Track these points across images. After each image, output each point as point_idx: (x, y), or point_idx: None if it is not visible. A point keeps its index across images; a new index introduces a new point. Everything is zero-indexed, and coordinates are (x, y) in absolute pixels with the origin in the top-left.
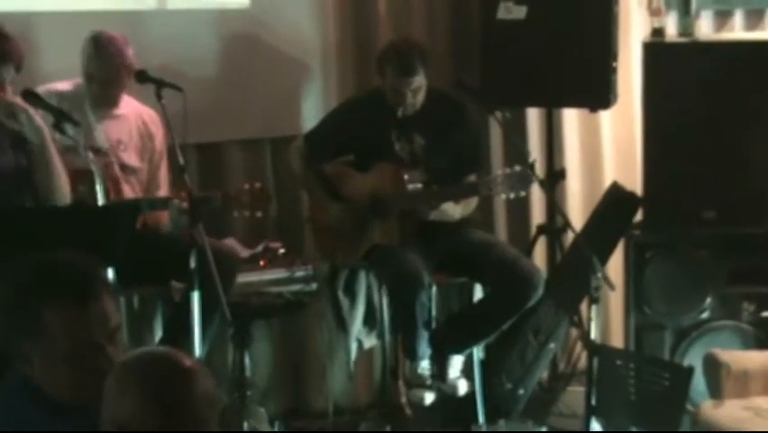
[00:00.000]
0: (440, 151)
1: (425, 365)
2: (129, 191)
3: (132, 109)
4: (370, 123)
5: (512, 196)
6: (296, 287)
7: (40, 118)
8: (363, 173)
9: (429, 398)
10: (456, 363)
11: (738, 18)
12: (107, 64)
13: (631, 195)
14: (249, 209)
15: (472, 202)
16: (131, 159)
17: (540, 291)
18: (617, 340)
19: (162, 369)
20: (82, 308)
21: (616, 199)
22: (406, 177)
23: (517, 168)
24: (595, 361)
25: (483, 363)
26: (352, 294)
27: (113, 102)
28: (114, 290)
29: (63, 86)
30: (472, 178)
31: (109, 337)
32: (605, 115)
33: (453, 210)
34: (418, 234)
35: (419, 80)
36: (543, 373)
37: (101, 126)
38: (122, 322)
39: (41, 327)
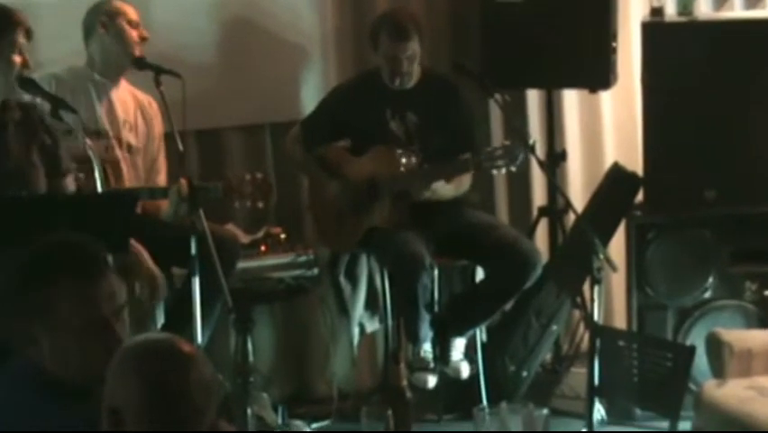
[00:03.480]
0: (434, 129)
1: (427, 348)
2: (130, 174)
3: (131, 95)
4: (364, 104)
5: (503, 170)
6: (297, 272)
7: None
8: (360, 157)
9: (432, 381)
10: (459, 345)
11: None
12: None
13: (632, 175)
14: (250, 199)
15: (465, 181)
16: (135, 138)
17: (539, 271)
18: (619, 321)
19: (160, 355)
20: (90, 283)
21: (617, 180)
22: (399, 152)
23: (507, 142)
24: (597, 342)
25: (486, 346)
26: (353, 279)
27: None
28: (114, 269)
29: (60, 71)
30: (467, 155)
31: (116, 314)
32: (605, 96)
33: (445, 189)
34: (417, 216)
35: (413, 46)
36: (546, 355)
37: (103, 107)
38: (125, 304)
39: (49, 306)
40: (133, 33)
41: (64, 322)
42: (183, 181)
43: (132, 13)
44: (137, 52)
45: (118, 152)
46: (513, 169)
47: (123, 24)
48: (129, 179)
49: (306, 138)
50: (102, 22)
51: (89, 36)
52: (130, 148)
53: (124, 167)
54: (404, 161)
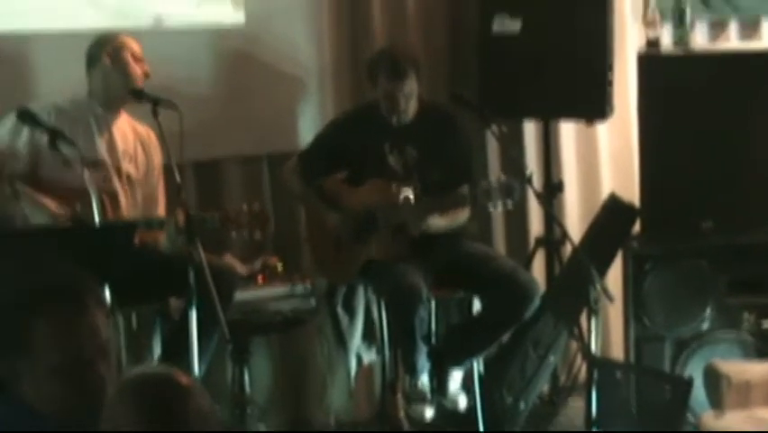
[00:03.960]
0: (432, 163)
1: (424, 380)
2: (128, 205)
3: (131, 126)
4: (362, 136)
5: (500, 207)
6: (294, 303)
7: None
8: (357, 188)
9: (429, 413)
10: (456, 377)
11: (733, 28)
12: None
13: (629, 206)
14: (247, 230)
15: (463, 214)
16: (134, 170)
17: (536, 302)
18: (616, 352)
19: (158, 387)
20: (71, 320)
21: (613, 211)
22: (398, 191)
23: (504, 177)
24: (595, 373)
25: (483, 378)
26: (350, 310)
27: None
28: (105, 304)
29: (62, 101)
30: (464, 190)
31: (100, 353)
32: (601, 127)
33: (442, 222)
34: (414, 247)
35: (411, 84)
36: (543, 387)
37: (103, 138)
38: (112, 338)
39: (29, 341)
40: (137, 68)
41: (43, 359)
42: (180, 212)
43: (136, 48)
44: (139, 87)
45: (117, 184)
46: (509, 206)
47: (128, 58)
48: (127, 211)
49: (303, 170)
50: (108, 53)
51: (93, 66)
52: (129, 179)
53: (123, 198)
54: (401, 194)
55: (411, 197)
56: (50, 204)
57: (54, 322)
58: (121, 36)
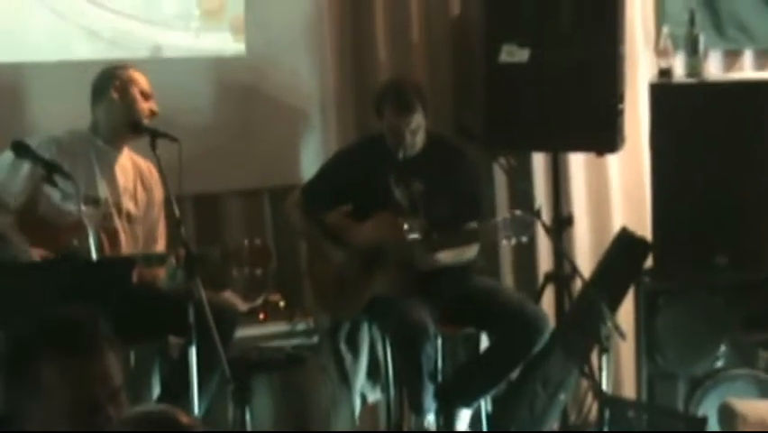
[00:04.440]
0: (439, 197)
1: (431, 420)
2: (128, 243)
3: (132, 161)
4: (368, 169)
5: (513, 241)
6: (296, 341)
7: None
8: (362, 223)
9: None
10: (463, 417)
11: (748, 58)
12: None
13: (641, 240)
14: (248, 266)
15: (469, 249)
16: (134, 207)
17: (546, 335)
18: (628, 390)
19: (160, 426)
20: (82, 364)
21: (625, 245)
22: (405, 226)
23: (518, 212)
24: (606, 412)
25: (491, 417)
26: (354, 347)
27: (119, 147)
28: (118, 347)
29: (60, 134)
30: (473, 225)
31: (111, 397)
32: (612, 159)
33: (450, 258)
34: (420, 282)
35: (417, 119)
36: (553, 426)
37: (104, 175)
38: (123, 384)
39: (39, 384)
40: (144, 106)
41: (51, 402)
42: (180, 248)
43: (145, 84)
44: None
45: (117, 221)
46: (524, 240)
47: (137, 94)
48: (127, 249)
49: (307, 204)
50: (116, 87)
51: (98, 99)
52: (129, 216)
53: (123, 236)
54: (408, 229)
55: (418, 231)
56: (36, 253)
57: (65, 365)
58: (130, 70)
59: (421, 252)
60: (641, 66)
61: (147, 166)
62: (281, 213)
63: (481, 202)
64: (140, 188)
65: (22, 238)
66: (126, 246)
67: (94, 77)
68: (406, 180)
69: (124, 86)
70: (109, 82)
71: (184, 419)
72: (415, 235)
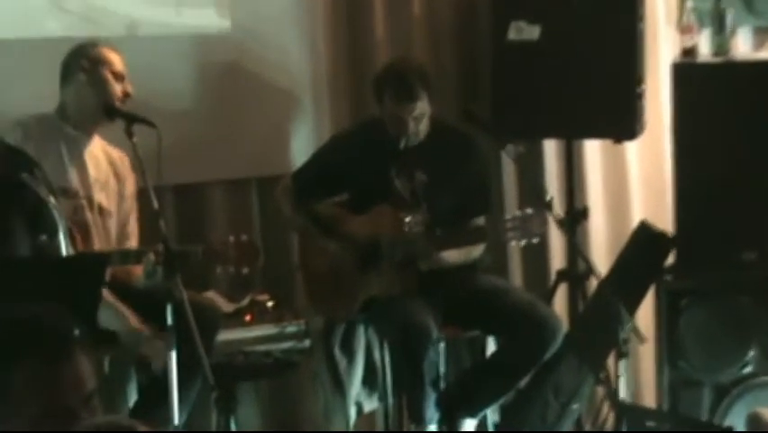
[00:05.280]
0: (444, 190)
1: (433, 430)
2: (100, 239)
3: (103, 150)
4: (366, 157)
5: (523, 242)
6: (286, 344)
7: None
8: (359, 215)
9: None
10: (468, 427)
11: None
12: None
13: (661, 235)
14: (234, 265)
15: (476, 247)
16: (106, 200)
17: (559, 339)
18: (648, 399)
19: None
20: (51, 368)
21: (644, 240)
22: (406, 219)
23: (530, 210)
24: (624, 423)
25: (499, 427)
26: (349, 351)
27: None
28: (91, 349)
29: (27, 118)
30: (481, 221)
31: (84, 402)
32: (631, 147)
33: (455, 257)
34: (422, 282)
35: (421, 106)
36: None
37: (74, 164)
38: (96, 388)
39: (9, 390)
40: (117, 87)
41: (21, 410)
42: (158, 244)
43: (118, 63)
44: (111, 103)
45: (88, 215)
46: (535, 241)
47: (107, 75)
48: (99, 245)
49: (298, 192)
50: (84, 67)
51: (67, 81)
52: (101, 210)
53: (94, 231)
54: (409, 223)
55: (421, 226)
56: None
57: (34, 370)
58: (100, 48)
59: (423, 248)
60: (662, 44)
61: (119, 155)
62: (273, 203)
63: (490, 195)
64: (112, 180)
65: None
66: (98, 242)
67: (63, 56)
68: (408, 171)
69: (94, 66)
70: (77, 62)
71: (141, 429)
72: (416, 230)
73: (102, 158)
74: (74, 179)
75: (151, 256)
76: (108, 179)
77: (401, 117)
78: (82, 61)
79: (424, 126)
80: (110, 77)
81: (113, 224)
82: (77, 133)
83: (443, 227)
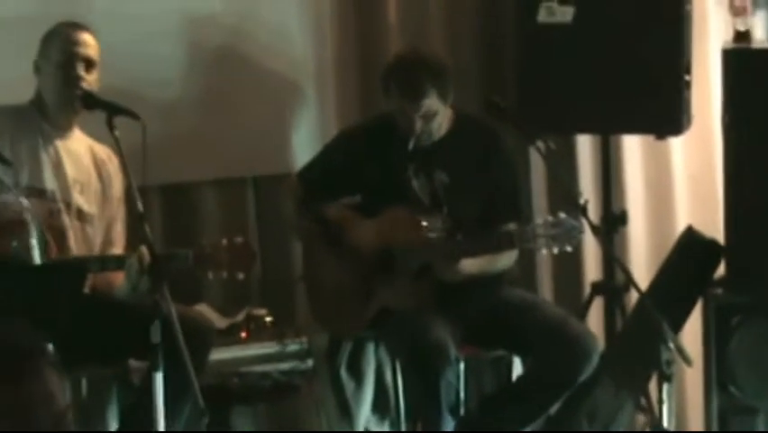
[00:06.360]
0: (467, 191)
1: None
2: (78, 246)
3: (87, 147)
4: (380, 156)
5: (555, 250)
6: (286, 365)
7: None
8: (372, 219)
9: None
10: None
11: None
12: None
13: (710, 243)
14: (227, 270)
15: (506, 256)
16: (86, 203)
17: (594, 360)
18: (695, 426)
19: None
20: (19, 385)
21: (691, 249)
22: (423, 224)
23: (562, 215)
24: None
25: None
26: (357, 373)
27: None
28: (59, 366)
29: (3, 109)
30: (511, 226)
31: (55, 422)
32: (676, 143)
33: (472, 266)
34: (440, 294)
35: (430, 104)
36: None
37: (51, 162)
38: (70, 405)
39: None
40: (86, 77)
41: None
42: (143, 249)
43: (91, 47)
44: (87, 89)
45: (65, 219)
46: (568, 249)
47: (76, 61)
48: (78, 253)
49: (304, 193)
50: (50, 54)
51: (39, 66)
52: (80, 214)
53: (71, 237)
54: (427, 228)
55: (441, 230)
56: None
57: (2, 391)
58: (70, 31)
59: (442, 257)
60: (712, 28)
61: (107, 154)
62: (271, 205)
63: (520, 197)
64: (94, 180)
65: None
66: (77, 249)
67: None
68: (427, 170)
69: (63, 51)
70: (50, 45)
71: None
72: (435, 236)
73: (85, 156)
74: (50, 178)
75: (135, 262)
76: (90, 179)
77: (408, 115)
78: (50, 47)
79: (437, 124)
80: (78, 63)
81: (94, 229)
82: (53, 127)
83: (465, 233)
